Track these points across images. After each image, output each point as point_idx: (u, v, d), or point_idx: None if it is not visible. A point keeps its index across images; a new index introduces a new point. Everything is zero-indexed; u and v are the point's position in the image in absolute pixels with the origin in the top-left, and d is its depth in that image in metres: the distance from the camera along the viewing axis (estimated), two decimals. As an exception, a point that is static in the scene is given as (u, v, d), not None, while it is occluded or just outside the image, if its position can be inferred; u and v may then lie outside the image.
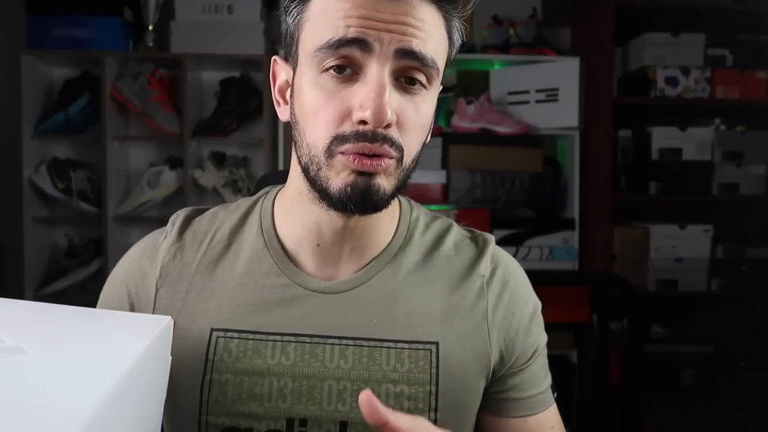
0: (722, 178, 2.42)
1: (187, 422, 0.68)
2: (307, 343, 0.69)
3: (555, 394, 0.80)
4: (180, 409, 0.68)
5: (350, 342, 0.69)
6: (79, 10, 2.31)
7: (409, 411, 0.68)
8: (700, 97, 2.39)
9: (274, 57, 0.74)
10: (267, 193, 0.79)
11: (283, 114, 0.72)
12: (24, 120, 2.27)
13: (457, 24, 0.68)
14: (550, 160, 2.54)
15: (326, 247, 0.71)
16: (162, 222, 0.78)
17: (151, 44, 2.35)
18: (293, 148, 0.70)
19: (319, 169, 0.64)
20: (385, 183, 0.64)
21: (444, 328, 0.71)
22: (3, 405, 0.40)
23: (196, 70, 2.45)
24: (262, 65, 2.36)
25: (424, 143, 0.69)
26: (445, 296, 0.73)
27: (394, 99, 0.62)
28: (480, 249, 0.77)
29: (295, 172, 0.71)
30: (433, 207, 2.27)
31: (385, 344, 0.69)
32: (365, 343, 0.69)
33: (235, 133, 2.45)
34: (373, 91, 0.60)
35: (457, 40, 0.69)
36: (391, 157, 0.63)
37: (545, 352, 0.79)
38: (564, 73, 2.38)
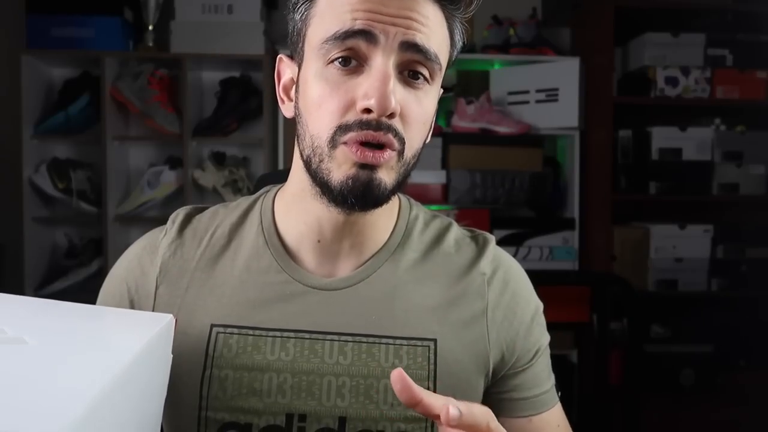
0: (722, 178, 2.42)
1: (187, 417, 0.69)
2: (307, 339, 0.70)
3: (559, 393, 0.80)
4: (180, 404, 0.69)
5: (349, 338, 0.70)
6: (79, 10, 2.31)
7: (407, 407, 0.68)
8: (700, 97, 2.39)
9: (279, 55, 0.74)
10: (267, 191, 0.80)
11: (287, 110, 0.73)
12: (24, 120, 2.27)
13: (459, 25, 0.69)
14: (550, 160, 2.54)
15: (326, 244, 0.72)
16: (162, 222, 0.78)
17: (151, 44, 2.35)
18: (296, 143, 0.71)
19: (321, 161, 0.65)
20: (386, 177, 0.65)
21: (442, 326, 0.72)
22: (5, 390, 0.41)
23: (196, 70, 2.45)
24: (262, 65, 2.36)
25: (425, 142, 0.70)
26: (444, 294, 0.73)
27: (398, 91, 0.64)
28: (480, 248, 0.77)
29: (297, 168, 0.72)
30: (433, 207, 2.27)
31: (384, 341, 0.70)
32: (364, 339, 0.70)
33: (235, 133, 2.45)
34: (377, 80, 0.62)
35: (459, 42, 0.70)
36: (394, 149, 0.64)
37: (548, 352, 0.79)
38: (564, 73, 2.38)
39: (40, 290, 2.31)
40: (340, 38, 0.62)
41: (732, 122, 2.47)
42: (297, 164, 0.72)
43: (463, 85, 2.59)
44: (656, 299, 2.42)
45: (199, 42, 2.31)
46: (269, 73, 2.42)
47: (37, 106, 2.35)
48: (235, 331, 0.70)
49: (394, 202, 0.73)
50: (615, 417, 2.15)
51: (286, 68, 0.73)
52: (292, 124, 0.72)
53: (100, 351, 0.51)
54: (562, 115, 2.39)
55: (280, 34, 2.54)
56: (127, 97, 2.32)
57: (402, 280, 0.73)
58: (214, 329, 0.70)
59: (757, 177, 2.44)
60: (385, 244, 0.75)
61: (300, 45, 0.68)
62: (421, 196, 2.29)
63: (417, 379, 0.68)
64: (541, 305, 0.79)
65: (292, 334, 0.70)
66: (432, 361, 0.70)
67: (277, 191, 0.78)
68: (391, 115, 0.63)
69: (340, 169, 0.64)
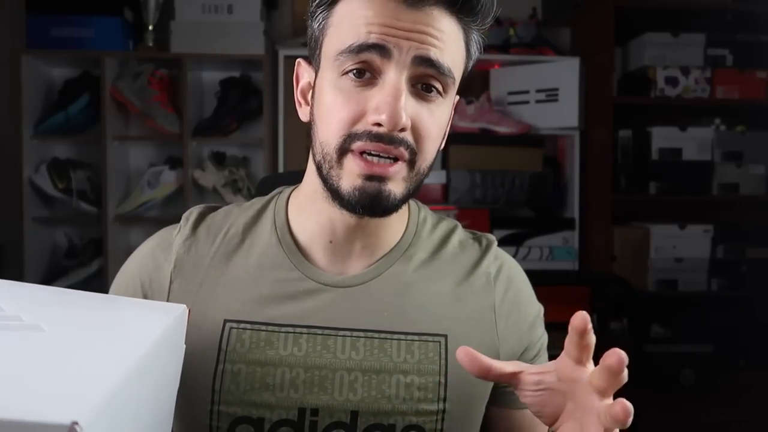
0: (722, 178, 2.42)
1: (200, 411, 0.69)
2: (319, 335, 0.71)
3: None
4: (192, 398, 0.69)
5: (361, 334, 0.71)
6: (79, 10, 2.31)
7: (419, 400, 0.70)
8: (700, 97, 2.39)
9: (298, 60, 0.76)
10: (280, 192, 0.81)
11: (303, 115, 0.75)
12: (24, 120, 2.26)
13: (475, 36, 0.71)
14: (550, 160, 2.54)
15: (338, 244, 0.74)
16: (162, 222, 0.78)
17: (151, 44, 2.35)
18: (311, 147, 0.72)
19: (330, 168, 0.67)
20: (395, 188, 0.67)
21: (452, 321, 0.73)
22: (24, 377, 0.41)
23: (196, 70, 2.45)
24: (262, 65, 2.36)
25: (439, 149, 0.72)
26: (452, 291, 0.75)
27: (410, 105, 0.65)
28: (484, 248, 0.80)
29: (311, 170, 0.73)
30: (434, 207, 2.26)
31: (396, 336, 0.71)
32: (376, 335, 0.71)
33: (235, 133, 2.45)
34: (389, 95, 0.63)
35: (475, 53, 0.72)
36: (404, 160, 0.66)
37: (546, 352, 0.82)
38: (564, 73, 2.38)
39: (40, 290, 2.31)
40: (354, 51, 0.64)
41: (732, 122, 2.47)
42: (311, 167, 0.73)
43: (463, 85, 2.58)
44: (656, 299, 2.42)
45: (199, 42, 2.31)
46: (269, 73, 2.42)
47: (37, 106, 2.34)
48: (248, 326, 0.71)
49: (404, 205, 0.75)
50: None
51: (304, 72, 0.75)
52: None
53: (117, 340, 0.51)
54: (562, 115, 2.39)
55: (280, 33, 2.54)
56: (127, 97, 2.32)
57: (412, 279, 0.75)
58: (227, 324, 0.71)
59: (757, 177, 2.44)
60: (397, 244, 0.76)
61: (317, 52, 0.70)
62: (421, 196, 2.26)
63: (429, 373, 0.71)
64: (542, 307, 0.83)
65: (304, 330, 0.71)
66: (443, 356, 0.71)
67: (291, 192, 0.80)
68: (402, 129, 0.64)
69: (348, 178, 0.66)
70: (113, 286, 0.78)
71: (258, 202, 0.80)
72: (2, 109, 2.34)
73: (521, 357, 0.77)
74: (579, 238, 2.42)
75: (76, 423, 0.35)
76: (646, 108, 2.47)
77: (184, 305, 0.61)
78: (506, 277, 0.79)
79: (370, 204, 0.66)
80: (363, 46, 0.63)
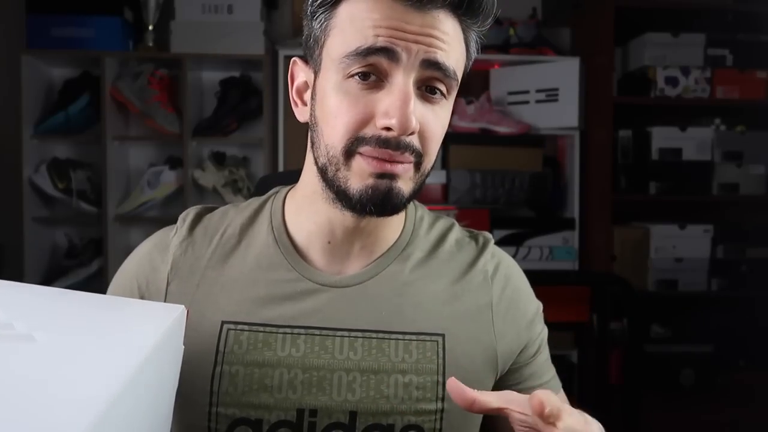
0: (722, 178, 2.42)
1: (198, 413, 0.69)
2: (317, 335, 0.71)
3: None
4: (190, 400, 0.69)
5: (359, 334, 0.71)
6: (79, 10, 2.31)
7: (417, 400, 0.70)
8: (700, 97, 2.39)
9: (293, 58, 0.75)
10: (277, 192, 0.81)
11: (301, 115, 0.74)
12: (24, 120, 2.27)
13: (474, 36, 0.71)
14: (550, 160, 2.54)
15: (337, 245, 0.74)
16: (162, 222, 0.78)
17: (151, 44, 2.35)
18: (310, 148, 0.72)
19: (337, 170, 0.67)
20: (404, 187, 0.67)
21: (450, 321, 0.73)
22: (9, 397, 0.39)
23: (196, 70, 2.45)
24: (262, 65, 2.36)
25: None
26: (449, 290, 0.75)
27: (417, 108, 0.65)
28: (481, 247, 0.80)
29: (309, 172, 0.73)
30: (433, 207, 2.26)
31: (394, 336, 0.71)
32: (374, 335, 0.71)
33: (235, 133, 2.45)
34: (399, 99, 0.63)
35: (474, 53, 0.72)
36: (410, 162, 0.66)
37: (547, 346, 0.83)
38: (564, 73, 2.38)
39: (40, 290, 2.31)
40: (362, 54, 0.63)
41: (732, 122, 2.47)
42: (309, 168, 0.73)
43: (463, 85, 2.58)
44: (656, 299, 2.42)
45: (199, 42, 2.31)
46: (269, 73, 2.42)
47: (37, 106, 2.35)
48: (246, 327, 0.71)
49: None
50: (615, 417, 2.15)
51: (299, 71, 0.74)
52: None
53: (113, 348, 0.50)
54: (562, 115, 2.39)
55: (280, 33, 2.54)
56: (127, 97, 2.32)
57: (410, 278, 0.75)
58: (225, 326, 0.71)
59: (757, 177, 2.44)
60: (394, 243, 0.76)
61: (317, 53, 0.69)
62: (421, 196, 2.25)
63: (426, 373, 0.71)
64: (540, 304, 0.83)
65: (302, 331, 0.71)
66: (441, 355, 0.72)
67: (288, 192, 0.79)
68: (411, 133, 0.65)
69: (357, 178, 0.66)
70: (111, 287, 0.78)
71: (255, 202, 0.80)
72: (2, 109, 2.34)
73: (521, 354, 0.77)
74: (579, 238, 2.42)
75: None
76: (646, 108, 2.47)
77: (183, 306, 0.61)
78: (503, 275, 0.79)
79: (381, 202, 0.66)
80: (371, 50, 0.63)
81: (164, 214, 2.45)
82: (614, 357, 2.25)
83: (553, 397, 0.53)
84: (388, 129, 0.63)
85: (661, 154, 2.38)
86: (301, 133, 0.72)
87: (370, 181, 0.65)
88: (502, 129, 2.36)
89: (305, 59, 0.72)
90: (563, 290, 2.16)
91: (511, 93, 2.48)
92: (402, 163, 0.65)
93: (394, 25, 0.63)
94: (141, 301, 0.72)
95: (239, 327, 0.71)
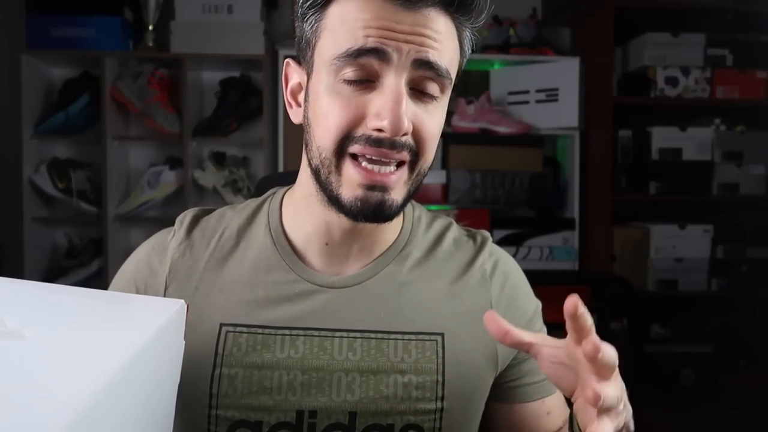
0: (722, 178, 2.42)
1: (198, 416, 0.69)
2: (316, 336, 0.70)
3: None
4: (190, 402, 0.69)
5: (358, 335, 0.71)
6: (79, 10, 2.31)
7: (417, 400, 0.70)
8: (700, 97, 2.39)
9: (287, 60, 0.74)
10: (274, 193, 0.80)
11: (295, 116, 0.74)
12: (24, 120, 2.27)
13: (468, 34, 0.70)
14: (550, 160, 2.54)
15: (335, 246, 0.73)
16: (162, 222, 0.78)
17: (151, 44, 2.35)
18: (304, 150, 0.71)
19: (329, 173, 0.66)
20: (397, 196, 0.67)
21: (449, 320, 0.73)
22: None
23: (196, 70, 2.45)
24: (262, 65, 2.36)
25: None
26: (448, 289, 0.75)
27: (409, 108, 0.64)
28: (479, 245, 0.80)
29: (305, 173, 0.73)
30: (433, 207, 2.27)
31: (393, 336, 0.71)
32: (373, 335, 0.71)
33: (235, 133, 2.45)
34: (390, 100, 0.62)
35: (468, 50, 0.71)
36: (406, 162, 0.66)
37: None
38: (564, 73, 2.38)
39: (40, 290, 2.31)
40: (353, 56, 0.62)
41: (732, 122, 2.47)
42: (305, 170, 0.72)
43: (463, 85, 2.59)
44: (656, 299, 2.42)
45: (199, 42, 2.31)
46: (269, 73, 2.42)
47: (37, 106, 2.35)
48: (245, 329, 0.70)
49: None
50: (615, 417, 2.14)
51: (293, 72, 0.73)
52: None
53: (104, 344, 0.49)
54: (562, 115, 2.39)
55: (280, 33, 2.54)
56: (127, 97, 2.32)
57: (408, 278, 0.75)
58: (224, 328, 0.71)
59: (757, 177, 2.44)
60: (393, 244, 0.76)
61: (309, 54, 0.68)
62: (421, 196, 2.27)
63: (426, 372, 0.71)
64: (539, 303, 0.82)
65: (301, 332, 0.70)
66: (440, 354, 0.71)
67: (285, 193, 0.79)
68: (404, 134, 0.64)
69: (348, 187, 0.65)
70: (110, 289, 0.78)
71: (252, 203, 0.80)
72: (2, 109, 2.34)
73: (520, 352, 0.77)
74: (579, 238, 2.42)
75: None
76: (646, 108, 2.47)
77: (182, 300, 0.60)
78: (502, 273, 0.78)
79: (372, 213, 0.66)
80: (362, 51, 0.62)
81: (164, 214, 2.45)
82: (614, 357, 2.25)
83: (609, 348, 0.53)
84: (380, 130, 0.63)
85: (661, 154, 2.38)
86: (301, 134, 0.72)
87: (360, 192, 0.65)
88: (502, 129, 2.36)
89: (299, 60, 0.72)
90: (563, 290, 2.16)
91: (511, 93, 2.48)
92: (397, 166, 0.65)
93: (384, 25, 0.62)
94: (140, 296, 0.72)
95: (238, 329, 0.70)
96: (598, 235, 2.40)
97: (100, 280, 2.33)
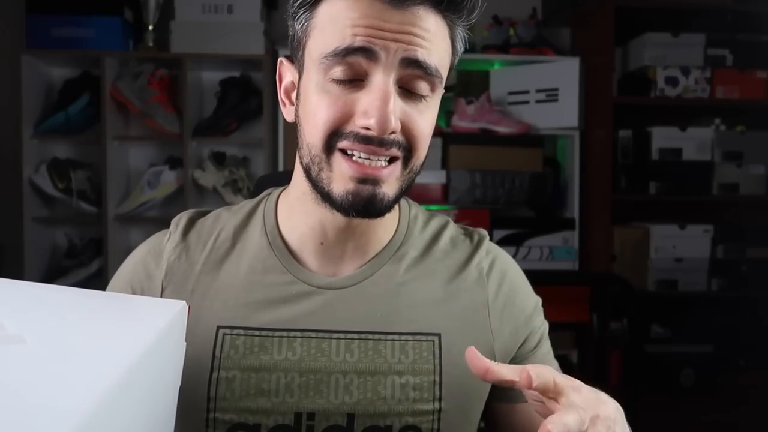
0: (722, 178, 2.42)
1: (196, 419, 0.69)
2: (313, 338, 0.70)
3: None
4: (188, 406, 0.69)
5: (355, 336, 0.71)
6: (79, 10, 2.31)
7: (414, 401, 0.70)
8: (700, 97, 2.39)
9: (280, 59, 0.74)
10: (269, 194, 0.80)
11: (288, 115, 0.74)
12: (24, 120, 2.27)
13: (460, 32, 0.69)
14: (550, 160, 2.54)
15: (329, 246, 0.73)
16: (162, 222, 0.78)
17: (151, 44, 2.35)
18: (298, 149, 0.71)
19: (320, 170, 0.66)
20: (389, 190, 0.66)
21: (446, 320, 0.73)
22: None
23: (196, 70, 2.45)
24: (262, 65, 2.36)
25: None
26: (444, 289, 0.75)
27: (398, 106, 0.64)
28: (476, 244, 0.79)
29: (298, 173, 0.73)
30: (433, 207, 2.27)
31: (390, 337, 0.71)
32: (370, 336, 0.71)
33: (235, 133, 2.45)
34: (378, 99, 0.62)
35: (460, 48, 0.71)
36: (398, 158, 0.65)
37: (548, 339, 0.82)
38: (564, 73, 2.38)
39: (40, 290, 2.31)
40: (340, 54, 0.62)
41: (732, 122, 2.47)
42: (298, 169, 0.72)
43: (463, 85, 2.59)
44: (656, 299, 2.42)
45: (199, 42, 2.31)
46: (269, 73, 2.42)
47: (37, 106, 2.35)
48: (242, 332, 0.70)
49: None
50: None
51: (286, 71, 0.74)
52: (292, 124, 0.73)
53: (106, 349, 0.48)
54: (562, 115, 2.39)
55: (280, 34, 2.54)
56: (127, 97, 2.32)
57: (404, 278, 0.74)
58: (221, 331, 0.70)
59: (757, 177, 2.44)
60: (388, 243, 0.76)
61: (300, 53, 0.69)
62: (421, 196, 2.29)
63: (423, 373, 0.70)
64: (539, 299, 0.82)
65: (298, 334, 0.70)
66: (437, 355, 0.71)
67: (280, 193, 0.79)
68: (392, 132, 0.64)
69: (339, 182, 0.65)
70: (108, 290, 0.77)
71: (247, 204, 0.79)
72: (2, 109, 2.34)
73: (521, 348, 0.77)
74: (579, 238, 2.42)
75: None
76: (646, 108, 2.47)
77: (184, 302, 0.60)
78: (499, 271, 0.78)
79: (364, 207, 0.65)
80: (349, 50, 0.62)
81: (164, 214, 2.45)
82: (614, 357, 2.25)
83: (546, 372, 0.52)
84: (367, 129, 0.63)
85: (661, 154, 2.38)
86: (300, 133, 0.72)
87: (351, 186, 0.65)
88: (502, 129, 2.36)
89: (292, 60, 0.72)
90: (563, 290, 2.16)
91: (511, 93, 2.48)
92: (389, 161, 0.65)
93: (372, 24, 0.62)
94: (141, 297, 0.72)
95: (235, 332, 0.70)
96: (598, 235, 2.40)
97: (100, 280, 2.33)
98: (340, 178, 0.65)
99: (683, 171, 2.39)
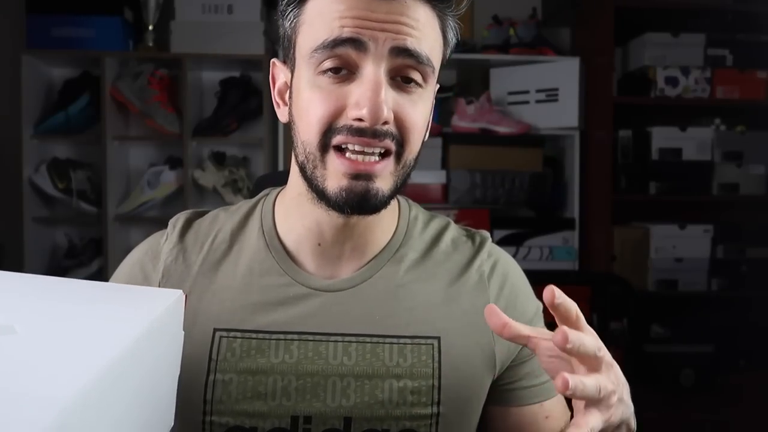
0: (722, 178, 2.42)
1: (192, 422, 0.69)
2: (311, 341, 0.70)
3: None
4: (184, 409, 0.68)
5: (353, 339, 0.70)
6: (79, 10, 2.31)
7: (412, 405, 0.69)
8: (700, 97, 2.39)
9: (272, 60, 0.75)
10: (267, 194, 0.80)
11: (282, 115, 0.73)
12: (24, 120, 2.26)
13: (451, 23, 0.69)
14: (550, 160, 2.54)
15: (327, 246, 0.72)
16: (162, 222, 0.78)
17: (151, 44, 2.35)
18: (293, 148, 0.71)
19: (315, 168, 0.66)
20: (384, 185, 0.66)
21: (445, 323, 0.72)
22: None
23: (196, 70, 2.45)
24: (262, 65, 2.36)
25: (423, 141, 0.70)
26: (445, 291, 0.74)
27: (390, 97, 0.64)
28: (477, 246, 0.78)
29: (294, 172, 0.72)
30: (433, 207, 2.27)
31: (388, 340, 0.70)
32: (368, 339, 0.70)
33: (235, 133, 2.45)
34: (369, 89, 0.62)
35: (452, 39, 0.70)
36: (391, 151, 0.65)
37: None
38: (564, 73, 2.38)
39: (40, 290, 2.31)
40: (329, 47, 0.62)
41: (732, 122, 2.47)
42: (294, 169, 0.72)
43: (463, 85, 2.59)
44: (656, 299, 2.42)
45: (199, 42, 2.31)
46: (269, 75, 2.42)
47: (37, 106, 2.34)
48: (238, 334, 0.70)
49: (393, 202, 0.74)
50: (615, 417, 2.14)
51: (279, 73, 0.74)
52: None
53: (97, 338, 0.48)
54: (562, 115, 2.39)
55: (278, 36, 2.53)
56: (127, 97, 2.32)
57: (404, 280, 0.73)
58: (217, 333, 0.70)
59: (757, 177, 2.43)
60: (387, 244, 0.75)
61: (291, 52, 0.69)
62: (421, 196, 2.29)
63: (422, 377, 0.70)
64: (540, 304, 0.81)
65: (295, 337, 0.70)
66: (436, 358, 0.70)
67: (278, 194, 0.78)
68: (384, 123, 0.63)
69: (333, 179, 0.65)
70: None
71: (245, 205, 0.79)
72: (2, 109, 2.33)
73: (520, 353, 0.76)
74: (579, 238, 2.42)
75: None
76: (646, 108, 2.47)
77: (180, 291, 0.60)
78: (501, 274, 0.77)
79: (358, 203, 0.65)
80: (337, 41, 0.62)
81: (164, 214, 2.45)
82: (614, 357, 2.25)
83: (576, 333, 0.51)
84: (360, 120, 0.62)
85: (661, 154, 2.38)
86: (301, 134, 0.72)
87: (345, 182, 0.64)
88: (502, 129, 2.36)
89: (284, 61, 0.72)
90: (563, 290, 2.16)
91: (511, 93, 2.48)
92: (382, 155, 0.64)
93: (359, 15, 0.62)
94: (137, 287, 0.71)
95: (231, 334, 0.70)
96: (598, 235, 2.40)
97: (99, 280, 2.31)
98: (334, 175, 0.65)
99: (683, 171, 2.39)
